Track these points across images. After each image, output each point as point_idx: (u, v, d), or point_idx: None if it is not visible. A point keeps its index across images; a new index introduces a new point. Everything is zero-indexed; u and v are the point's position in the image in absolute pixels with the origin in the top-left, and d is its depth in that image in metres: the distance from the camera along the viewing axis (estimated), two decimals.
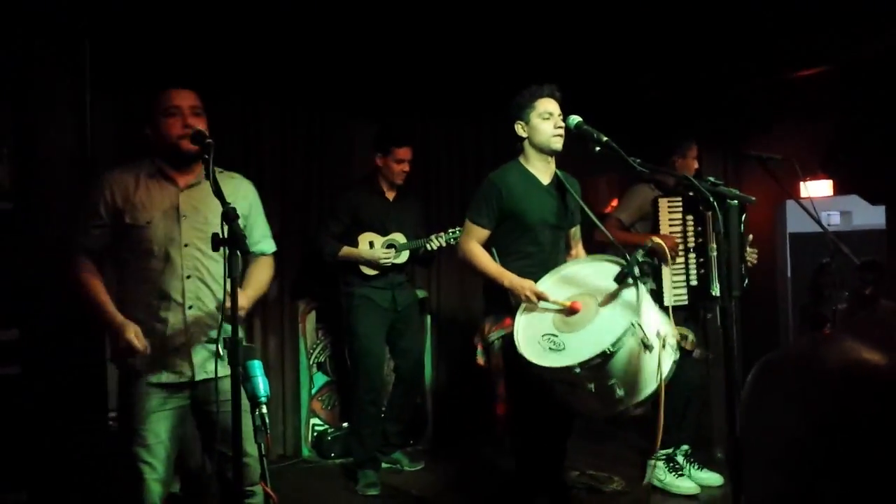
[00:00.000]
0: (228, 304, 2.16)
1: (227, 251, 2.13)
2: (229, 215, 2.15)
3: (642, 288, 2.85)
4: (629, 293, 2.88)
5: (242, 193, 2.85)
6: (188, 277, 2.67)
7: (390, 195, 4.55)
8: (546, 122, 3.23)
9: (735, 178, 5.21)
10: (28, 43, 3.49)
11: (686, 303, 4.09)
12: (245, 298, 2.67)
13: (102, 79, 3.71)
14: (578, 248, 3.55)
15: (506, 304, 3.16)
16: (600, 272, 3.03)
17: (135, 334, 2.57)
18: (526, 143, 3.31)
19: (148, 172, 2.71)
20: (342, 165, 5.16)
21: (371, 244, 4.47)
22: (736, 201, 3.37)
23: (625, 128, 3.20)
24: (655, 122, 4.81)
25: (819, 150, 4.94)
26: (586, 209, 3.36)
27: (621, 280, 2.89)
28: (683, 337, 2.97)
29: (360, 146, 5.05)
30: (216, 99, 3.99)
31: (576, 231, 3.52)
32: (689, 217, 4.10)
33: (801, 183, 4.41)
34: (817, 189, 5.01)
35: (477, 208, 3.30)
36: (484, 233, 3.28)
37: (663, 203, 4.14)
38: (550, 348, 2.87)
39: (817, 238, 5.74)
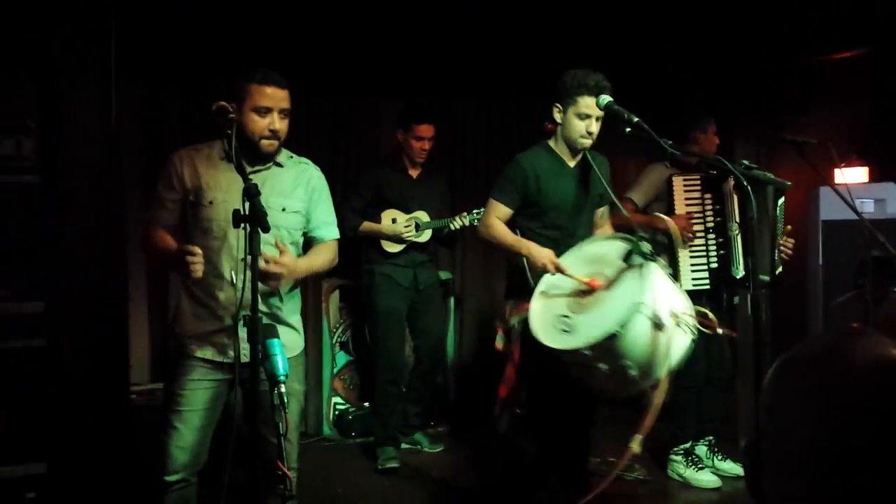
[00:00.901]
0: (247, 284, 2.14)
1: (248, 228, 2.11)
2: (250, 191, 2.14)
3: (651, 265, 2.82)
4: (637, 272, 2.84)
5: (306, 178, 2.85)
6: (243, 259, 2.65)
7: (413, 173, 4.50)
8: (580, 122, 3.17)
9: (768, 163, 5.10)
10: (52, 16, 3.48)
11: (708, 287, 3.98)
12: (290, 259, 2.63)
13: (127, 53, 3.70)
14: (604, 230, 3.48)
15: (526, 287, 3.13)
16: (615, 251, 3.00)
17: (189, 255, 2.51)
18: (558, 127, 3.27)
19: (219, 154, 2.72)
20: (368, 144, 5.13)
21: (394, 221, 4.44)
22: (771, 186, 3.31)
23: (654, 110, 3.12)
24: (685, 104, 4.71)
25: (855, 135, 4.81)
26: (608, 189, 3.31)
27: (628, 259, 2.87)
28: (703, 315, 2.92)
29: (387, 124, 5.01)
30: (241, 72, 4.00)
31: (603, 212, 3.47)
32: (708, 196, 3.95)
33: (837, 169, 4.30)
34: (852, 175, 4.90)
35: (501, 187, 3.32)
36: (506, 211, 3.29)
37: (678, 181, 3.99)
38: (563, 330, 2.86)
39: (851, 226, 5.62)
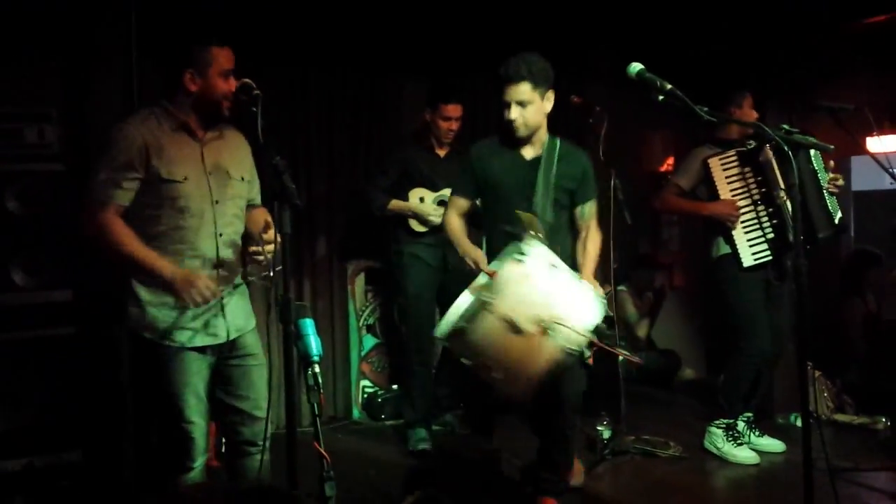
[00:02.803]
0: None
1: (278, 205, 2.07)
2: (278, 168, 2.08)
3: (510, 266, 2.69)
4: (503, 271, 2.72)
5: (246, 146, 2.78)
6: (220, 235, 2.62)
7: (441, 152, 4.43)
8: (504, 110, 3.11)
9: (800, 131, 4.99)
10: (74, 6, 3.46)
11: (770, 258, 3.96)
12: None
13: (149, 40, 3.66)
14: (588, 231, 3.28)
15: None
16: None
17: (206, 284, 2.48)
18: None
19: (170, 126, 2.57)
20: (391, 123, 5.05)
21: (422, 199, 4.37)
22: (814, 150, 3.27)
23: (688, 83, 3.01)
24: (718, 74, 4.59)
25: (889, 101, 4.69)
26: (551, 180, 3.17)
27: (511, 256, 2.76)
28: (603, 338, 2.82)
29: (410, 104, 4.95)
30: (262, 54, 3.95)
31: (582, 211, 3.26)
32: (747, 169, 3.95)
33: (870, 137, 4.21)
34: (886, 144, 4.78)
35: (456, 180, 3.37)
36: (461, 203, 3.32)
37: (714, 163, 3.99)
38: None
39: (883, 196, 5.51)
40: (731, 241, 3.98)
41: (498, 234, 3.15)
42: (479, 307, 2.61)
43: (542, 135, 3.20)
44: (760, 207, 3.94)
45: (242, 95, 2.44)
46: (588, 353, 3.04)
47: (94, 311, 3.45)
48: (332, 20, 4.40)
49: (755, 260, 3.95)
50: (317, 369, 2.12)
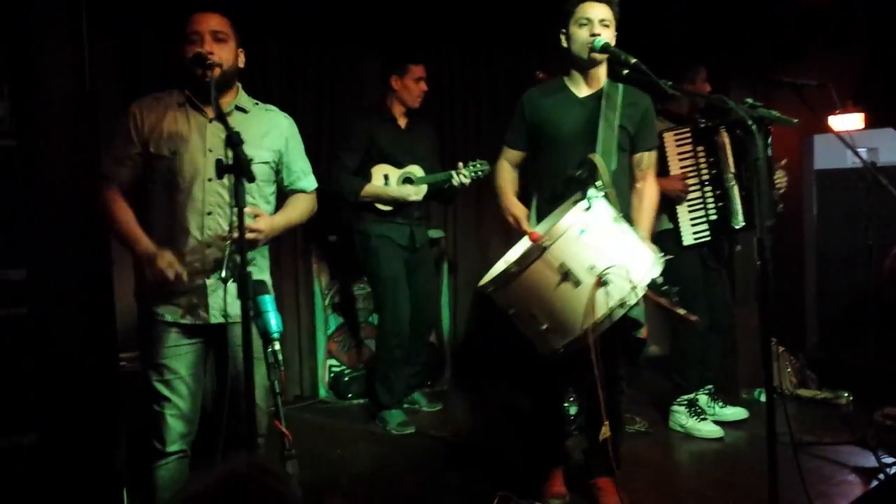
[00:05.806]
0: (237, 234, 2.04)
1: (234, 178, 2.00)
2: (233, 140, 2.02)
3: (572, 213, 2.57)
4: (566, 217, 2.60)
5: (279, 127, 2.71)
6: (209, 214, 2.53)
7: (402, 122, 4.33)
8: (581, 29, 2.89)
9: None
10: None
11: (709, 238, 3.98)
12: (266, 222, 2.55)
13: (103, 12, 3.55)
14: (645, 182, 3.07)
15: None
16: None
17: (168, 263, 2.43)
18: (568, 54, 2.98)
19: (178, 101, 2.58)
20: (353, 101, 4.97)
21: (386, 177, 4.29)
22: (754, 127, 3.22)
23: (651, 58, 2.96)
24: (679, 51, 4.58)
25: (852, 80, 4.71)
26: (623, 120, 2.95)
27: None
28: (661, 292, 2.68)
29: (371, 81, 4.87)
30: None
31: (641, 159, 3.06)
32: (700, 148, 3.96)
33: (832, 115, 4.23)
34: (848, 122, 4.81)
35: (509, 128, 3.16)
36: (512, 153, 3.15)
37: (669, 137, 3.97)
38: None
39: (845, 174, 5.56)
40: (674, 219, 3.98)
41: (555, 183, 2.95)
42: (535, 253, 2.53)
43: (602, 73, 3.00)
44: (707, 188, 3.96)
45: (195, 66, 2.38)
46: (641, 320, 2.92)
47: (48, 290, 3.36)
48: None
49: (695, 239, 3.97)
50: (277, 346, 2.07)
